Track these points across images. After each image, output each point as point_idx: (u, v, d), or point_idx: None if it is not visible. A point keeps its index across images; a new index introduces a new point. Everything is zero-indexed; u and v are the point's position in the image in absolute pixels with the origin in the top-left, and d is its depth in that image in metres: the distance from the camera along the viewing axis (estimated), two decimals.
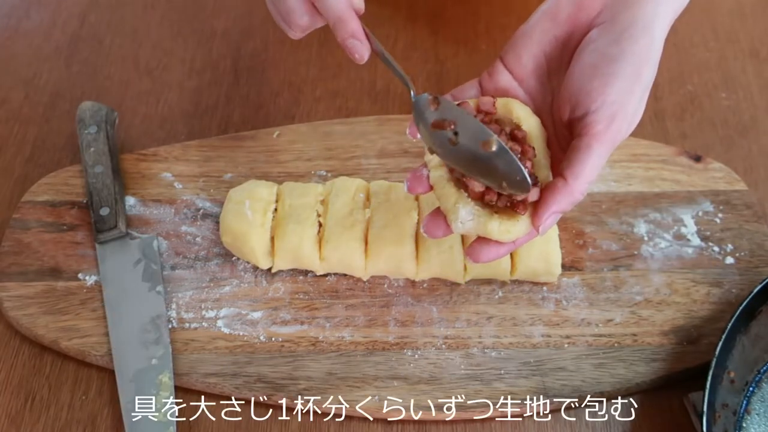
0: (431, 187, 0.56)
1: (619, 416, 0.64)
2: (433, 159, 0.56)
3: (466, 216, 0.54)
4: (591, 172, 0.53)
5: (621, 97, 0.52)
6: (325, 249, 0.67)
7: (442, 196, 0.55)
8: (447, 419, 0.64)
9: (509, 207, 0.53)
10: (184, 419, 0.64)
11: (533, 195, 0.53)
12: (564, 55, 0.56)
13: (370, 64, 0.60)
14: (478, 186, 0.53)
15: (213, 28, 0.91)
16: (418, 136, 0.56)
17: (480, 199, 0.54)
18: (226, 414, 0.64)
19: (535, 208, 0.53)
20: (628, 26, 0.53)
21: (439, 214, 0.57)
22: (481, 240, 0.56)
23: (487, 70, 0.59)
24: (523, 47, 0.57)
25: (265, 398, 0.64)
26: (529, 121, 0.56)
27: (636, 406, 0.64)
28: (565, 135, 0.56)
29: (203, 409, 0.64)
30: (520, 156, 0.54)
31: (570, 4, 0.55)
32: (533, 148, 0.55)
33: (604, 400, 0.64)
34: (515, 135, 0.55)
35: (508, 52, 0.58)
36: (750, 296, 0.63)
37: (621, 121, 0.53)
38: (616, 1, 0.54)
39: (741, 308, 0.62)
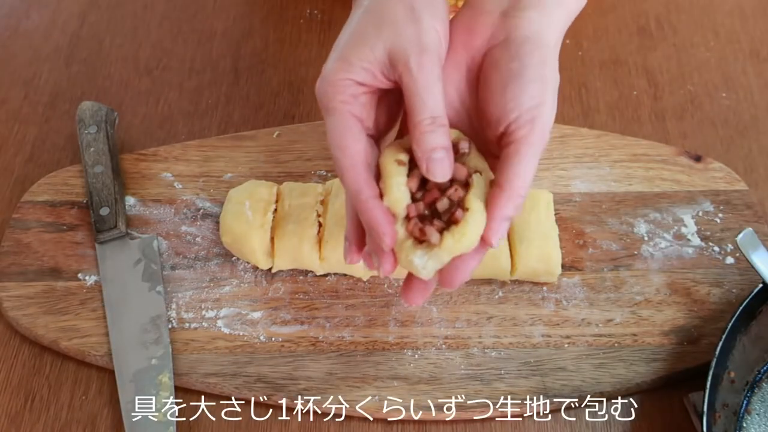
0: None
1: (619, 416, 0.64)
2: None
3: (421, 260, 0.53)
4: (524, 174, 0.53)
5: (534, 102, 0.54)
6: (325, 249, 0.67)
7: (402, 260, 0.54)
8: (447, 419, 0.64)
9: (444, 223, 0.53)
10: (184, 419, 0.64)
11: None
12: (470, 79, 0.57)
13: None
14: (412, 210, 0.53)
15: (213, 28, 0.91)
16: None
17: (414, 233, 0.53)
18: (226, 414, 0.64)
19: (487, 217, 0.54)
20: (522, 43, 0.55)
21: (409, 280, 0.58)
22: (409, 280, 0.58)
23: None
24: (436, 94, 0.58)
25: (265, 398, 0.64)
26: (454, 134, 0.56)
27: (636, 406, 0.64)
28: (494, 152, 0.57)
29: (203, 409, 0.64)
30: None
31: (462, 32, 0.57)
32: (468, 140, 0.56)
33: (604, 400, 0.64)
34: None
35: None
36: (750, 296, 0.63)
37: (542, 123, 0.54)
38: (505, 21, 0.56)
39: (741, 308, 0.62)
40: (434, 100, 0.53)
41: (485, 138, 0.57)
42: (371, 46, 0.54)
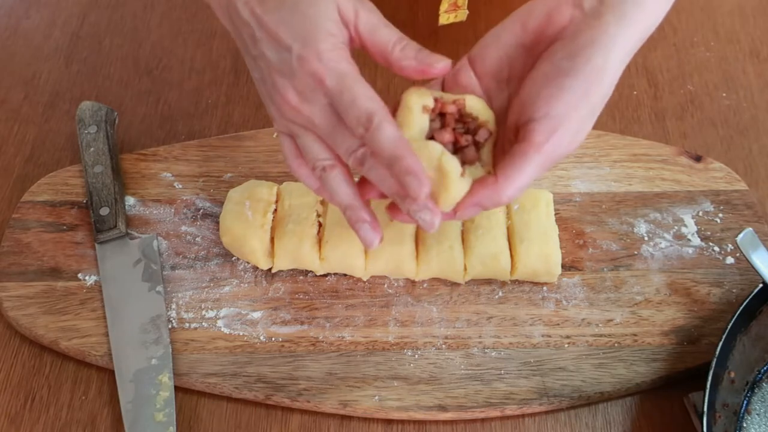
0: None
1: (619, 416, 0.64)
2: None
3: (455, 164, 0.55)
4: (522, 179, 0.53)
5: (565, 110, 0.53)
6: (325, 249, 0.67)
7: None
8: (447, 419, 0.64)
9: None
10: (184, 419, 0.64)
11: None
12: (526, 63, 0.57)
13: (370, 63, 0.60)
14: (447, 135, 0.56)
15: (213, 28, 0.91)
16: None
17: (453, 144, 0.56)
18: (226, 414, 0.64)
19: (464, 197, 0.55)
20: (587, 44, 0.53)
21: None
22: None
23: (453, 68, 0.60)
24: (489, 48, 0.58)
25: (265, 398, 0.64)
26: (484, 114, 0.57)
27: (636, 406, 0.64)
28: (511, 140, 0.56)
29: (203, 409, 0.64)
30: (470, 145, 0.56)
31: (541, 15, 0.55)
32: (489, 131, 0.57)
33: (605, 400, 0.64)
34: (468, 126, 0.57)
35: (475, 51, 0.59)
36: (750, 296, 0.63)
37: (562, 135, 0.53)
38: (583, 18, 0.54)
39: (741, 308, 0.62)
40: (393, 29, 0.56)
41: (508, 124, 0.56)
42: (327, 8, 0.55)
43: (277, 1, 0.55)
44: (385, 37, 0.56)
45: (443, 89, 0.60)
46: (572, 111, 0.53)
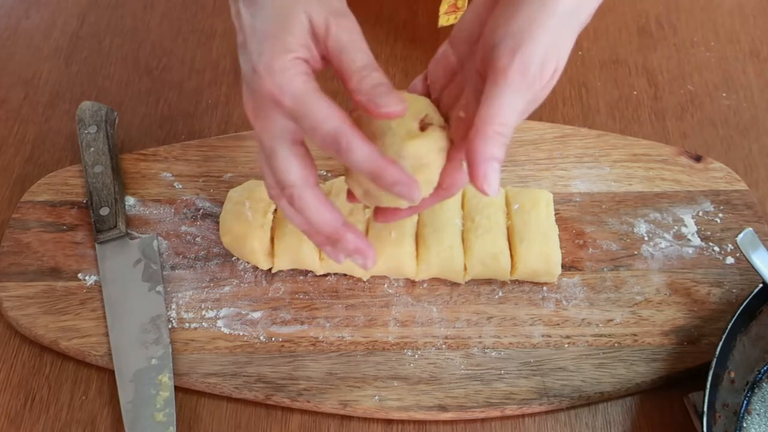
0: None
1: (619, 416, 0.64)
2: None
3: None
4: (501, 112, 0.50)
5: (525, 25, 0.49)
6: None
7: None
8: (447, 419, 0.64)
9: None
10: (184, 419, 0.64)
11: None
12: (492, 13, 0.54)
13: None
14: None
15: (213, 28, 0.91)
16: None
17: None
18: (226, 414, 0.64)
19: (468, 164, 0.52)
20: None
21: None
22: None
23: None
24: (464, 17, 0.56)
25: (265, 398, 0.64)
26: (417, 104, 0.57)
27: (636, 406, 0.64)
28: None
29: (203, 409, 0.64)
30: None
31: None
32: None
33: (605, 400, 0.64)
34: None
35: (456, 25, 0.57)
36: (750, 296, 0.63)
37: (529, 53, 0.49)
38: None
39: (741, 308, 0.62)
40: (362, 53, 0.52)
41: (479, 71, 0.53)
42: (296, 20, 0.52)
43: (260, 4, 0.54)
44: (349, 62, 0.52)
45: (425, 76, 0.60)
46: (533, 24, 0.49)
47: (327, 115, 0.51)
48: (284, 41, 0.52)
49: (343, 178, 0.71)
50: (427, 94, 0.59)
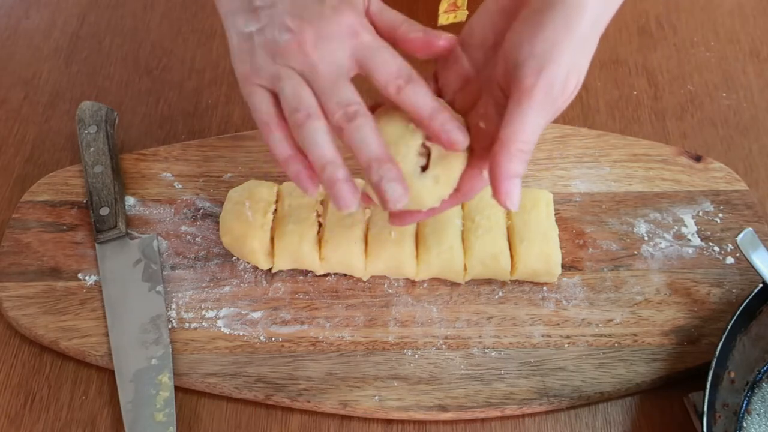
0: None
1: (619, 416, 0.64)
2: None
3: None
4: (525, 129, 0.51)
5: (549, 46, 0.50)
6: (325, 249, 0.67)
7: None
8: (447, 419, 0.64)
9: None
10: (184, 419, 0.64)
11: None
12: (509, 25, 0.55)
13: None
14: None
15: (213, 28, 0.91)
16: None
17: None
18: (225, 414, 0.64)
19: (491, 179, 0.53)
20: None
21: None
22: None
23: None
24: (475, 21, 0.57)
25: (265, 398, 0.64)
26: None
27: (636, 406, 0.64)
28: (503, 101, 0.55)
29: (203, 409, 0.64)
30: None
31: None
32: None
33: (605, 400, 0.64)
34: None
35: (464, 30, 0.58)
36: (750, 296, 0.63)
37: (552, 73, 0.50)
38: None
39: (741, 308, 0.62)
40: (396, 12, 0.58)
41: (499, 83, 0.54)
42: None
43: None
44: (393, 15, 0.57)
45: (436, 73, 0.60)
46: (556, 46, 0.50)
47: (397, 55, 0.55)
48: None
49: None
50: (438, 95, 0.59)
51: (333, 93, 0.54)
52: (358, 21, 0.55)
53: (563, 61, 0.51)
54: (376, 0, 0.57)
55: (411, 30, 0.57)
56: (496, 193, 0.52)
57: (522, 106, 0.51)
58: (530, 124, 0.51)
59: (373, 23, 0.57)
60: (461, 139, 0.54)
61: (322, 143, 0.54)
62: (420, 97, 0.54)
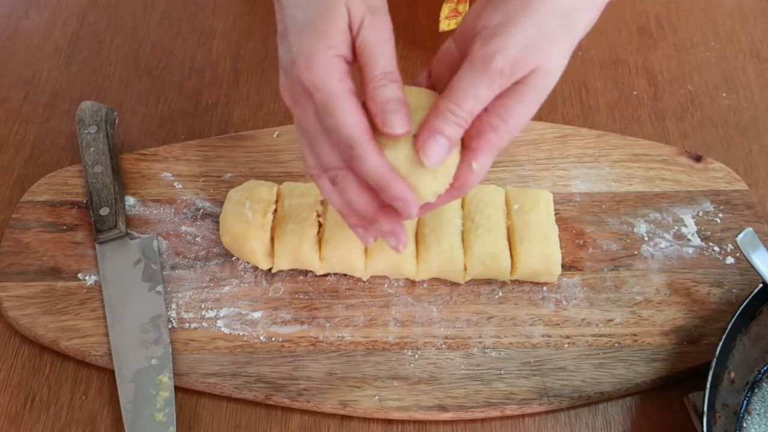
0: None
1: (619, 416, 0.64)
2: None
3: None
4: (457, 92, 0.51)
5: (504, 21, 0.51)
6: (325, 249, 0.67)
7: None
8: (447, 419, 0.64)
9: None
10: (184, 419, 0.64)
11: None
12: None
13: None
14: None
15: (213, 28, 0.91)
16: None
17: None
18: (226, 414, 0.64)
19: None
20: None
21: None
22: None
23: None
24: (469, 15, 0.57)
25: (265, 398, 0.64)
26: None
27: (636, 406, 0.64)
28: None
29: (203, 409, 0.64)
30: None
31: None
32: None
33: (605, 400, 0.64)
34: None
35: (460, 23, 0.58)
36: (750, 296, 0.63)
37: (499, 45, 0.50)
38: None
39: (741, 308, 0.62)
40: (385, 58, 0.53)
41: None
42: (337, 13, 0.52)
43: None
44: (370, 65, 0.53)
45: (430, 72, 0.60)
46: (510, 20, 0.51)
47: (350, 122, 0.52)
48: (326, 36, 0.52)
49: None
50: (432, 89, 0.59)
51: (316, 152, 0.56)
52: (309, 78, 0.52)
53: (514, 35, 0.51)
54: (368, 33, 0.53)
55: (369, 97, 0.53)
56: (417, 148, 0.53)
57: (461, 71, 0.52)
58: (464, 88, 0.51)
59: (355, 57, 0.54)
60: (397, 123, 0.52)
61: (352, 194, 0.56)
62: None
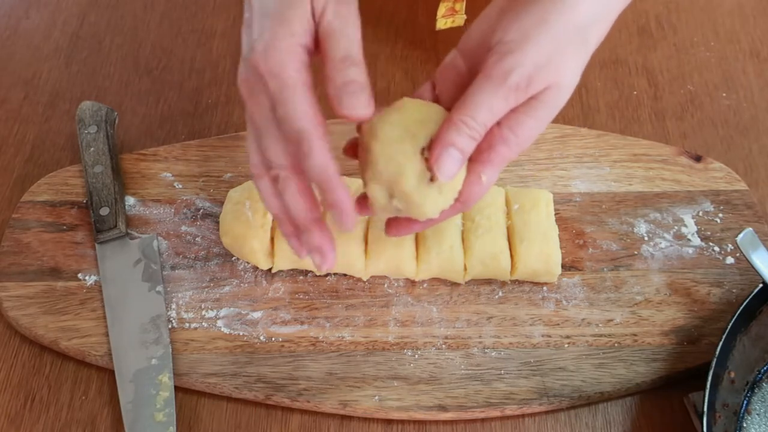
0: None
1: (619, 416, 0.64)
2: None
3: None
4: (470, 105, 0.51)
5: (519, 37, 0.50)
6: None
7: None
8: (447, 419, 0.64)
9: None
10: (184, 419, 0.64)
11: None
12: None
13: (369, 64, 0.59)
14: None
15: (213, 28, 0.91)
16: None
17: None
18: (226, 414, 0.64)
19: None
20: None
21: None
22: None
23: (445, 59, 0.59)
24: (474, 27, 0.57)
25: (265, 398, 0.64)
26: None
27: (636, 406, 0.64)
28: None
29: (203, 409, 0.64)
30: None
31: None
32: None
33: (605, 400, 0.64)
34: None
35: (464, 35, 0.58)
36: (750, 296, 0.63)
37: (514, 61, 0.50)
38: None
39: (741, 308, 0.62)
40: (348, 42, 0.51)
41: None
42: (301, 2, 0.51)
43: None
44: (332, 49, 0.51)
45: (433, 84, 0.59)
46: (526, 37, 0.51)
47: (302, 112, 0.51)
48: (289, 23, 0.51)
49: (342, 178, 0.71)
50: (436, 102, 0.59)
51: (264, 146, 0.55)
52: (264, 67, 0.51)
53: (529, 52, 0.51)
54: (331, 20, 0.51)
55: (328, 80, 0.51)
56: (430, 160, 0.52)
57: (476, 84, 0.51)
58: (478, 101, 0.51)
59: (318, 45, 0.53)
60: (357, 105, 0.51)
61: (291, 197, 0.56)
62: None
